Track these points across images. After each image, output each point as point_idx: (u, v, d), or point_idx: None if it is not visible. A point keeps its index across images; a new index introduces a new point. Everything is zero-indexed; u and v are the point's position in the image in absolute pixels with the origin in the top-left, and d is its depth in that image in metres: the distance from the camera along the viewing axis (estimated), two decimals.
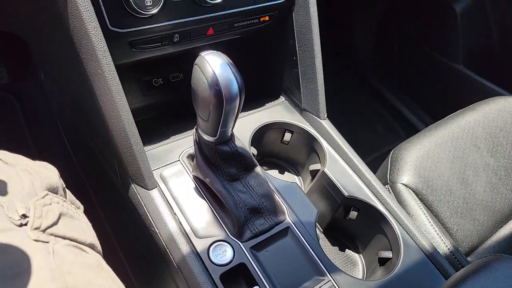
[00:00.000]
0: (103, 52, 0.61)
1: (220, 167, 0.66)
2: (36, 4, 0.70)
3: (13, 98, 1.44)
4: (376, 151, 1.76)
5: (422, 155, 0.94)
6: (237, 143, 0.67)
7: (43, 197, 0.41)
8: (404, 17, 1.82)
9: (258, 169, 0.70)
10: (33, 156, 0.48)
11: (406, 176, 0.90)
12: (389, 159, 0.95)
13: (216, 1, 0.71)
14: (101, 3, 0.61)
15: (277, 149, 0.93)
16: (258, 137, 0.88)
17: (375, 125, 1.93)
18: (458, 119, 1.04)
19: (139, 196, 0.70)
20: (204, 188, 0.72)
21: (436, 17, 1.68)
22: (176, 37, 0.73)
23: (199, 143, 0.67)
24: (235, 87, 0.57)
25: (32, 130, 1.38)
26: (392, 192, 0.89)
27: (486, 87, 1.60)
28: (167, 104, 1.01)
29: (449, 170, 0.94)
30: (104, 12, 0.61)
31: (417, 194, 0.88)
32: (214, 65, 0.56)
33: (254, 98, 0.94)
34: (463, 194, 0.92)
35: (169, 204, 0.69)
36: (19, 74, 1.38)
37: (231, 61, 0.58)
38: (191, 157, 0.79)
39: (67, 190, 0.50)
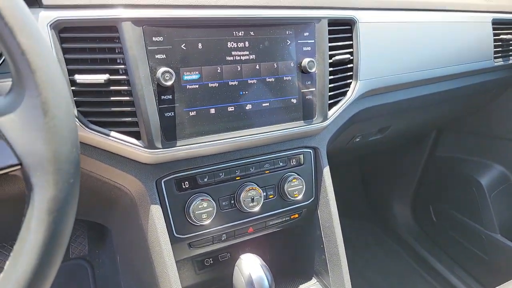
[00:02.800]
0: (168, 253, 0.83)
1: None
2: (123, 218, 0.96)
3: (87, 265, 1.69)
4: None
5: None
6: None
7: None
8: (435, 189, 1.98)
9: None
10: None
11: None
12: None
13: (255, 209, 0.93)
14: (171, 220, 0.85)
15: None
16: None
17: None
18: None
19: None
20: None
21: (464, 190, 1.82)
22: (224, 236, 0.94)
23: None
24: (266, 285, 0.74)
25: None
26: None
27: None
28: (216, 280, 1.17)
29: None
30: (173, 225, 0.85)
31: None
32: (250, 268, 0.74)
33: (288, 279, 1.08)
34: None
35: None
36: (97, 247, 1.65)
37: (264, 263, 0.76)
38: None
39: None
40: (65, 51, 0.73)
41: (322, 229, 1.04)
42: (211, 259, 1.18)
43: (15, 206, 0.69)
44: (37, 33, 0.42)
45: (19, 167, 0.41)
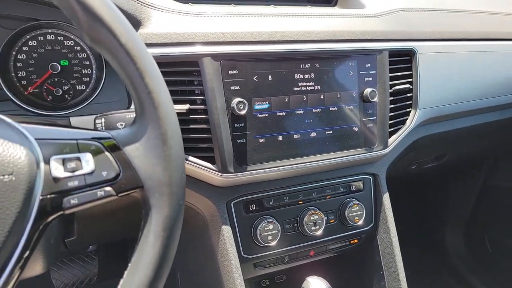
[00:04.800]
0: (237, 271, 0.88)
1: None
2: (191, 237, 1.02)
3: None
4: None
5: None
6: None
7: None
8: (491, 218, 1.91)
9: None
10: None
11: None
12: None
13: (317, 233, 0.96)
14: (239, 240, 0.90)
15: None
16: None
17: None
18: None
19: None
20: None
21: None
22: (286, 258, 0.97)
23: None
24: None
25: None
26: None
27: None
28: None
29: None
30: (241, 246, 0.90)
31: None
32: None
33: None
34: None
35: None
36: None
37: (329, 286, 0.78)
38: None
39: None
40: None
41: (381, 255, 1.05)
42: (267, 280, 1.21)
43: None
44: (159, 74, 0.49)
45: (141, 189, 0.48)
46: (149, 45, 0.81)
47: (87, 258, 1.59)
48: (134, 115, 0.64)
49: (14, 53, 0.85)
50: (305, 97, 0.91)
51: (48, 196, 0.44)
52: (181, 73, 0.84)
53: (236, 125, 0.84)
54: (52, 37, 0.88)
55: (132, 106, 0.81)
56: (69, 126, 0.52)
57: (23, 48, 0.86)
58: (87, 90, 0.91)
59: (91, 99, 0.85)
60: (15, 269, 0.43)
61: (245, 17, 0.89)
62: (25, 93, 0.86)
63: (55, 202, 0.45)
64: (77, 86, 0.90)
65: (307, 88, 0.91)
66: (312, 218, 0.95)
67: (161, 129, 0.48)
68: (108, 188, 0.47)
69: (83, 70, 0.91)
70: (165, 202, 0.48)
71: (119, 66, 0.47)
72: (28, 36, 0.86)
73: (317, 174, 0.98)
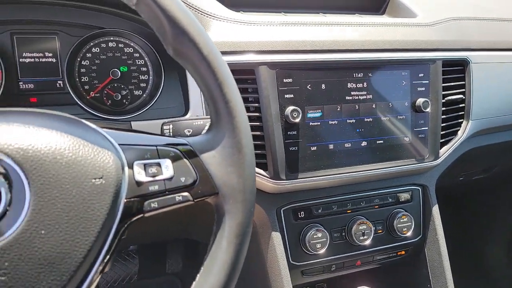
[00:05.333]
0: (286, 278, 0.88)
1: None
2: None
3: (179, 282, 1.80)
4: None
5: None
6: None
7: None
8: None
9: None
10: None
11: None
12: None
13: (365, 243, 0.96)
14: (288, 247, 0.90)
15: None
16: None
17: None
18: None
19: None
20: None
21: None
22: (333, 267, 0.97)
23: None
24: None
25: None
26: None
27: None
28: None
29: None
30: (289, 252, 0.91)
31: None
32: None
33: None
34: None
35: None
36: (191, 265, 1.76)
37: None
38: None
39: None
40: None
41: (429, 268, 1.03)
42: None
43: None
44: (235, 85, 0.51)
45: (216, 195, 0.50)
46: None
47: (128, 256, 1.64)
48: (201, 122, 0.67)
49: (78, 59, 0.90)
50: (357, 106, 0.91)
51: (132, 199, 0.46)
52: (236, 80, 0.85)
53: (289, 132, 0.85)
54: (114, 44, 0.92)
55: (190, 113, 0.83)
56: (146, 132, 0.54)
57: (87, 54, 0.90)
58: (144, 95, 0.94)
59: (150, 104, 0.88)
60: (97, 272, 0.45)
61: (298, 26, 0.90)
62: (88, 97, 0.90)
63: (138, 205, 0.47)
64: (134, 91, 0.94)
65: (359, 97, 0.91)
66: (360, 227, 0.95)
67: (237, 138, 0.49)
68: (186, 194, 0.49)
69: (140, 76, 0.94)
70: (239, 209, 0.49)
71: (199, 76, 0.49)
72: (91, 44, 0.90)
73: (365, 183, 0.98)
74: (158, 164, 0.48)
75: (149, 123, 0.83)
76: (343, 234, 0.96)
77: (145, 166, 0.48)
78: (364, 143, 0.92)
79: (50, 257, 0.40)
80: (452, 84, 1.01)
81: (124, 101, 0.93)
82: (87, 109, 0.86)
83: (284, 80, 0.85)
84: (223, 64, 0.49)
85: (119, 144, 0.48)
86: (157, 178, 0.48)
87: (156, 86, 0.92)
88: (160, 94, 0.89)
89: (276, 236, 0.89)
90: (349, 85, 0.90)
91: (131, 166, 0.47)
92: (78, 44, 0.88)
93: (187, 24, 0.46)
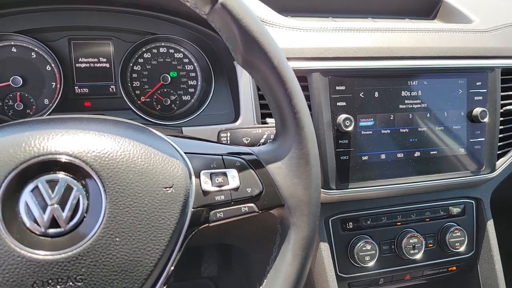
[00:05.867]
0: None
1: None
2: None
3: (213, 285, 1.80)
4: None
5: None
6: None
7: None
8: None
9: None
10: None
11: None
12: None
13: (415, 257, 0.92)
14: (335, 258, 0.88)
15: None
16: None
17: None
18: None
19: None
20: None
21: None
22: (381, 280, 0.94)
23: None
24: None
25: None
26: None
27: None
28: None
29: None
30: (337, 263, 0.88)
31: None
32: None
33: None
34: None
35: None
36: (226, 269, 1.76)
37: None
38: None
39: None
40: (260, 97, 0.83)
41: (482, 286, 0.98)
42: None
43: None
44: (303, 96, 0.50)
45: (282, 207, 0.49)
46: None
47: None
48: (259, 131, 0.66)
49: (131, 64, 0.91)
50: (410, 115, 0.88)
51: (198, 209, 0.46)
52: None
53: (340, 141, 0.83)
54: (165, 49, 0.93)
55: (240, 120, 0.83)
56: (208, 140, 0.54)
57: (139, 60, 0.92)
58: (192, 100, 0.95)
59: (200, 110, 0.88)
60: (164, 280, 0.45)
61: (351, 32, 0.88)
62: (139, 102, 0.92)
63: (204, 215, 0.46)
64: (183, 96, 0.95)
65: (413, 105, 0.88)
66: (411, 241, 0.91)
67: (304, 150, 0.48)
68: (252, 205, 0.48)
69: (189, 81, 0.95)
70: (305, 222, 0.48)
71: (267, 86, 0.49)
72: (144, 49, 0.92)
73: (416, 195, 0.94)
74: (224, 174, 0.48)
75: (200, 129, 0.83)
76: (393, 247, 0.93)
77: (211, 176, 0.48)
78: (417, 154, 0.89)
79: (123, 265, 0.40)
80: (510, 93, 0.96)
81: (173, 106, 0.94)
82: (140, 114, 0.87)
83: (337, 88, 0.83)
84: (292, 75, 0.48)
85: (185, 153, 0.48)
86: (223, 188, 0.47)
87: (205, 91, 0.92)
88: (210, 100, 0.89)
89: (324, 247, 0.87)
90: (403, 93, 0.87)
91: (198, 175, 0.47)
92: (131, 50, 0.89)
93: (259, 34, 0.46)
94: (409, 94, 0.87)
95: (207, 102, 0.89)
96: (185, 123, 0.87)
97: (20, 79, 0.84)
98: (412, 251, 0.91)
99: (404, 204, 0.94)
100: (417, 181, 0.89)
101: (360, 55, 0.85)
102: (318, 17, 1.04)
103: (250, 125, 0.71)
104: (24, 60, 0.85)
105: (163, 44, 0.93)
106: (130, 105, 0.87)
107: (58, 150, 0.40)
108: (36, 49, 0.86)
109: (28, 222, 0.39)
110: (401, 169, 0.88)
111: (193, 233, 0.47)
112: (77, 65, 0.89)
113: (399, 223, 0.94)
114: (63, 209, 0.40)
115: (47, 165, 0.40)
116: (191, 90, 0.95)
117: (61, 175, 0.41)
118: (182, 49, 0.94)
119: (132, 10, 0.88)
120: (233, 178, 0.48)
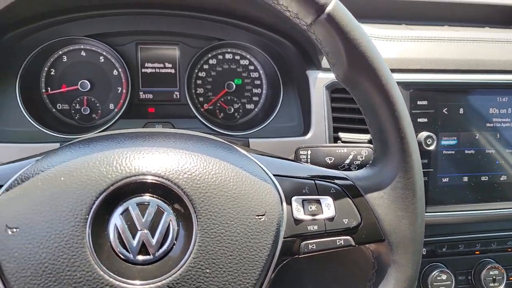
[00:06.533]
0: None
1: None
2: (356, 283, 0.96)
3: None
4: None
5: None
6: None
7: None
8: None
9: None
10: None
11: None
12: None
13: None
14: None
15: None
16: None
17: None
18: None
19: None
20: None
21: None
22: None
23: None
24: None
25: None
26: None
27: None
28: None
29: None
30: None
31: None
32: None
33: None
34: None
35: None
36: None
37: None
38: None
39: None
40: (333, 110, 0.77)
41: None
42: None
43: None
44: (410, 119, 0.44)
45: (382, 242, 0.43)
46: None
47: None
48: (345, 151, 0.61)
49: (196, 70, 0.88)
50: (498, 135, 0.79)
51: (290, 239, 0.42)
52: None
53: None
54: (230, 56, 0.90)
55: (310, 133, 0.78)
56: (293, 159, 0.50)
57: (204, 66, 0.89)
58: (256, 110, 0.91)
59: (268, 121, 0.84)
60: None
61: (434, 42, 0.81)
62: (202, 109, 0.89)
63: (295, 246, 0.42)
64: (246, 105, 0.91)
65: (502, 124, 0.79)
66: (491, 272, 0.83)
67: (411, 180, 0.42)
68: (348, 237, 0.43)
69: (253, 89, 0.91)
70: (409, 261, 0.42)
71: (370, 105, 0.43)
72: (209, 55, 0.89)
73: (499, 222, 0.85)
74: (318, 201, 0.43)
75: (268, 141, 0.78)
76: (469, 278, 0.84)
77: (303, 202, 0.43)
78: (503, 178, 0.80)
79: None
80: None
81: (236, 114, 0.90)
82: (205, 122, 0.84)
83: (418, 102, 0.76)
84: (399, 95, 0.43)
85: (274, 175, 0.44)
86: (317, 217, 0.42)
87: (272, 101, 0.88)
88: (278, 111, 0.85)
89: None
90: (491, 110, 0.79)
91: (289, 202, 0.42)
92: (198, 55, 0.87)
93: (367, 49, 0.41)
94: (498, 112, 0.79)
95: (275, 112, 0.84)
96: (251, 134, 0.83)
97: (88, 83, 0.83)
98: (491, 284, 0.83)
99: (484, 231, 0.85)
100: (501, 207, 0.80)
101: (445, 67, 0.78)
102: (390, 23, 0.97)
103: (334, 144, 0.66)
104: (93, 64, 0.85)
105: (229, 50, 0.89)
106: (195, 113, 0.84)
107: (150, 171, 0.37)
108: (104, 53, 0.85)
109: (117, 248, 0.36)
110: (484, 194, 0.80)
111: (282, 264, 0.42)
112: (143, 70, 0.87)
113: (478, 252, 0.85)
114: (153, 235, 0.37)
115: (138, 187, 0.37)
116: (255, 98, 0.91)
117: (151, 197, 0.37)
118: (248, 56, 0.90)
119: (200, 15, 0.86)
120: (328, 207, 0.43)
